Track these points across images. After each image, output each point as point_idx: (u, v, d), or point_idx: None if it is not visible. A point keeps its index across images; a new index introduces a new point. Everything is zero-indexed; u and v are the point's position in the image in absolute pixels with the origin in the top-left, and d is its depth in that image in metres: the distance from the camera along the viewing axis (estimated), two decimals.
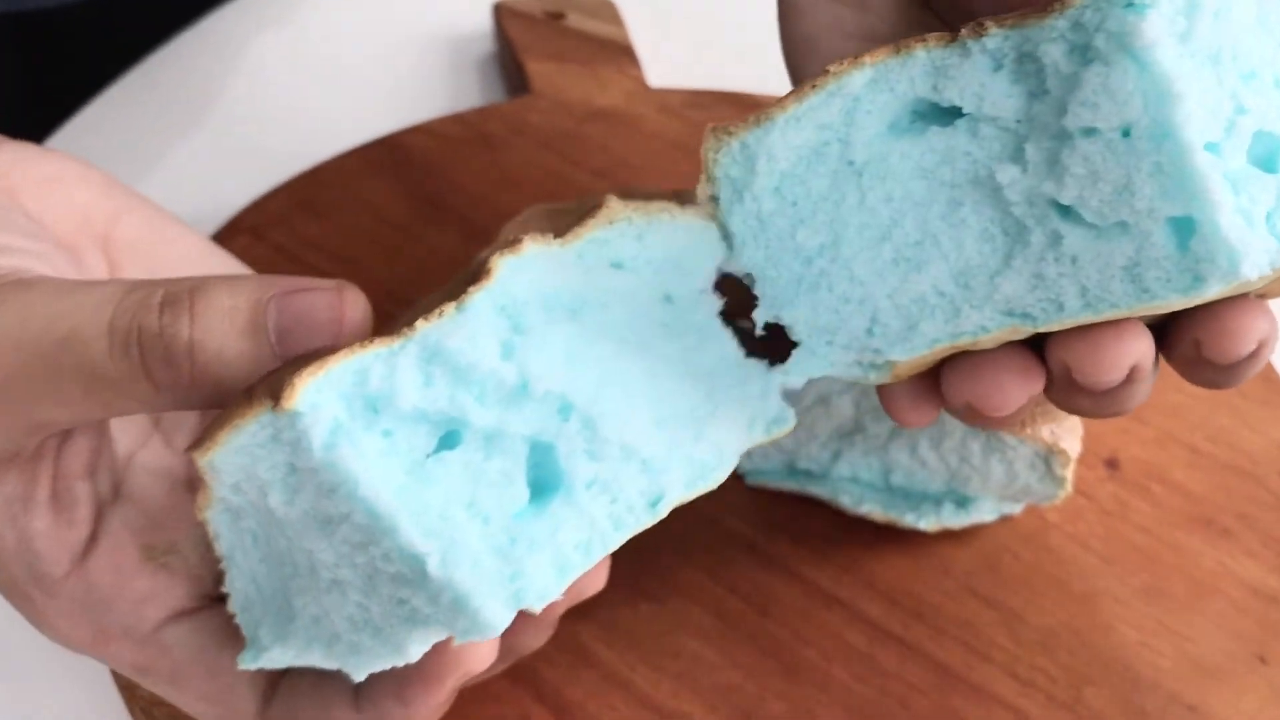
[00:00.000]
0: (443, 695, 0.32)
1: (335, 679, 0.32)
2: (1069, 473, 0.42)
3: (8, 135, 0.38)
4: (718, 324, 0.31)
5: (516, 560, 0.27)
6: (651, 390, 0.29)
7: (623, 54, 0.66)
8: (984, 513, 0.45)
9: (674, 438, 0.30)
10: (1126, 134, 0.26)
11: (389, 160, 0.60)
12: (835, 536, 0.45)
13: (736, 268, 0.31)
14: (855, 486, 0.45)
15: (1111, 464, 0.47)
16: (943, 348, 0.29)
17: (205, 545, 0.32)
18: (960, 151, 0.28)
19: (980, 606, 0.43)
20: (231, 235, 0.56)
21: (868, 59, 0.28)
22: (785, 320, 0.31)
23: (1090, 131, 0.26)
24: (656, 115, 0.62)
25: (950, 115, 0.29)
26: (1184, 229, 0.25)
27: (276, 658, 0.30)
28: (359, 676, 0.29)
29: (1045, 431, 0.41)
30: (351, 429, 0.26)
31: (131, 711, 0.40)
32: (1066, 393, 0.29)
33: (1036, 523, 0.46)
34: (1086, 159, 0.26)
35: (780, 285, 0.31)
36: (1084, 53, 0.26)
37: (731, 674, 0.42)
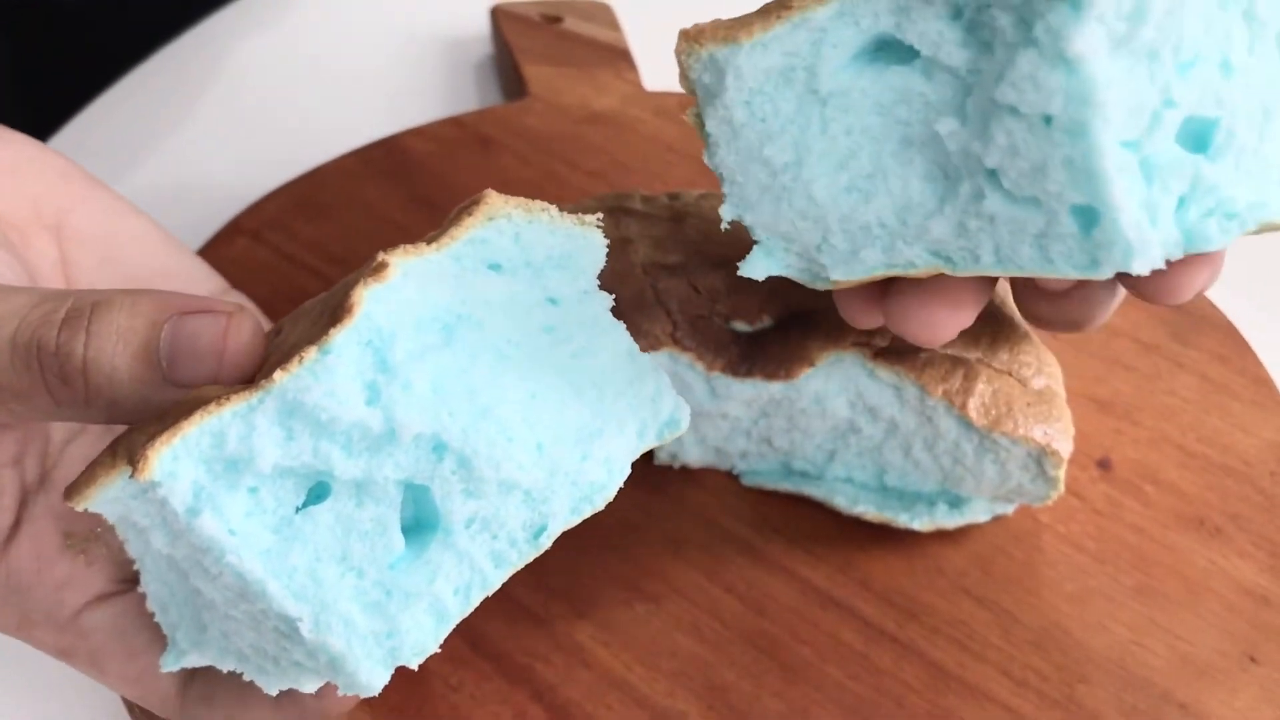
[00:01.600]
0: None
1: None
2: (1061, 473, 0.42)
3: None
4: (609, 319, 0.31)
5: (391, 617, 0.27)
6: (533, 412, 0.29)
7: (619, 57, 0.66)
8: (977, 513, 0.45)
9: (557, 462, 0.29)
10: (1047, 122, 0.26)
11: (387, 162, 0.60)
12: (830, 537, 0.46)
13: (711, 165, 0.32)
14: (850, 487, 0.46)
15: (1104, 464, 0.48)
16: (880, 273, 0.31)
17: None
18: (915, 92, 0.29)
19: (974, 606, 0.44)
20: (230, 237, 0.56)
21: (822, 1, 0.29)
22: (747, 221, 0.33)
23: (1014, 111, 0.27)
24: (653, 118, 0.63)
25: (911, 54, 0.29)
26: (1089, 217, 0.27)
27: (195, 660, 0.31)
28: (271, 691, 0.30)
29: (1038, 433, 0.41)
30: (213, 492, 0.26)
31: (131, 712, 0.40)
32: (1024, 294, 0.34)
33: (1029, 523, 0.46)
34: (1009, 134, 0.27)
35: (747, 190, 0.32)
36: (1027, 31, 0.26)
37: (727, 673, 0.42)
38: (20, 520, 0.32)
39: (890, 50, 0.30)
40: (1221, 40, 0.27)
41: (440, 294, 0.28)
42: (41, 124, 0.62)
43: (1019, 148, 0.27)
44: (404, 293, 0.27)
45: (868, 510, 0.45)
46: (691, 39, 0.31)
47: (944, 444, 0.43)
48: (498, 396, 0.28)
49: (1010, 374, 0.42)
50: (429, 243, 0.28)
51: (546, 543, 0.29)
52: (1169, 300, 0.31)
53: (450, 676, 0.41)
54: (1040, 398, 0.42)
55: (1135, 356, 0.52)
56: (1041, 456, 0.42)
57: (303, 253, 0.56)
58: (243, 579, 0.26)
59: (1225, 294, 0.54)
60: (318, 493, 0.28)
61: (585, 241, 0.31)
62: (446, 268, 0.28)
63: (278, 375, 0.26)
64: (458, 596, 0.28)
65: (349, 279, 0.29)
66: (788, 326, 0.43)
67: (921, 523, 0.45)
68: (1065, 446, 0.42)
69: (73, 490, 0.28)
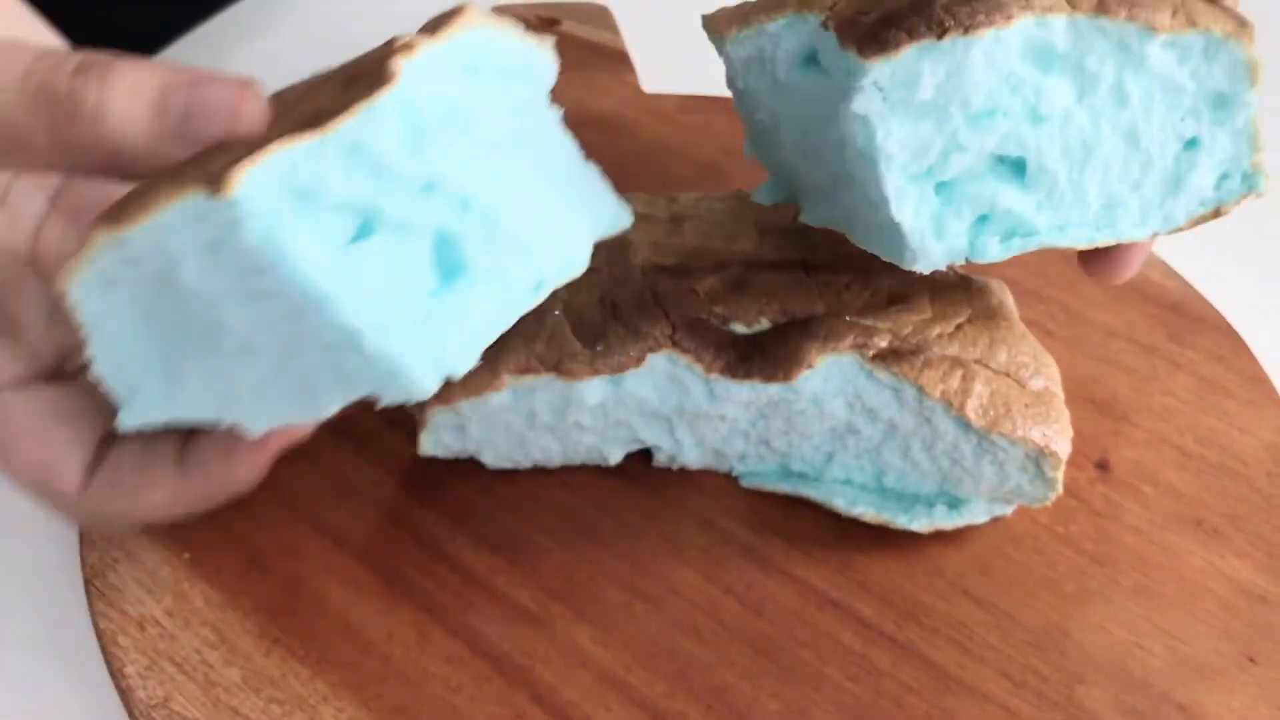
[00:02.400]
0: (266, 459, 0.35)
1: (160, 446, 0.35)
2: (1059, 474, 0.42)
3: None
4: (560, 132, 0.36)
5: (439, 332, 0.30)
6: (524, 190, 0.33)
7: (617, 60, 0.66)
8: (976, 514, 0.45)
9: (547, 233, 0.33)
10: (857, 151, 0.36)
11: None
12: (829, 538, 0.46)
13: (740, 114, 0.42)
14: (849, 488, 0.46)
15: (1102, 465, 0.48)
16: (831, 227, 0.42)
17: (51, 323, 0.33)
18: (834, 89, 0.37)
19: (972, 607, 0.44)
20: None
21: (779, 14, 0.38)
22: (760, 159, 0.44)
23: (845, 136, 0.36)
24: (651, 120, 0.63)
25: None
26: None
27: (156, 415, 0.32)
28: (256, 431, 0.31)
29: (1036, 434, 0.41)
30: (284, 216, 0.28)
31: (131, 716, 0.40)
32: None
33: (1028, 524, 0.46)
34: (840, 141, 0.37)
35: (754, 134, 0.43)
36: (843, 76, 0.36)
37: (726, 674, 0.42)
38: None
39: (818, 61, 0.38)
40: (1030, 94, 0.35)
41: (435, 87, 0.31)
42: None
43: (845, 154, 0.37)
44: (420, 75, 0.30)
45: (866, 511, 0.45)
46: (706, 23, 0.41)
47: (942, 445, 0.43)
48: (500, 172, 0.32)
49: (1008, 375, 0.42)
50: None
51: (542, 296, 0.33)
52: (1108, 280, 0.41)
53: (450, 678, 0.41)
54: (1038, 399, 0.42)
55: (1133, 357, 0.52)
56: (1040, 457, 0.42)
57: None
58: (308, 294, 0.28)
59: (1222, 294, 0.55)
60: (363, 232, 0.30)
61: (542, 55, 0.35)
62: (438, 63, 0.31)
63: (340, 120, 0.28)
64: (486, 325, 0.32)
65: (366, 57, 0.32)
66: (785, 329, 0.43)
67: (920, 524, 0.45)
68: (1063, 447, 0.42)
69: (117, 216, 0.29)
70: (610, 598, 0.44)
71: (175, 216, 0.28)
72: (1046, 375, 0.43)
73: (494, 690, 0.41)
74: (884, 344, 0.42)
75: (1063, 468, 0.42)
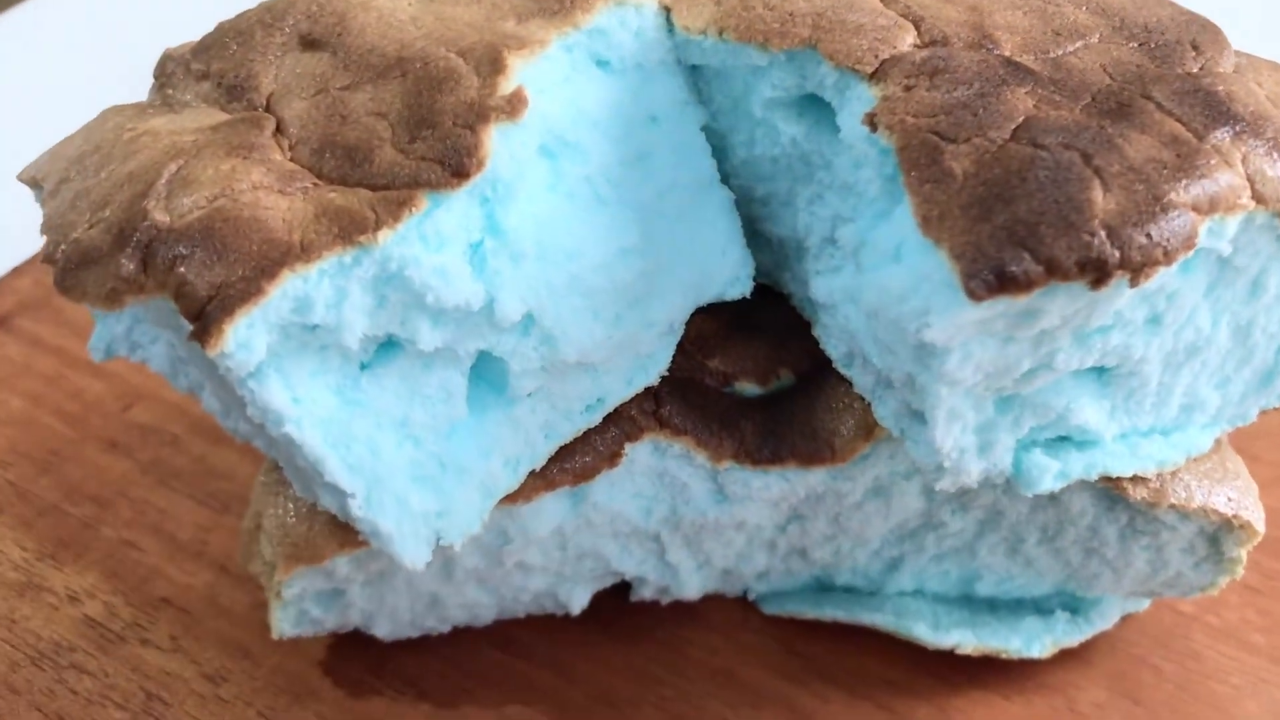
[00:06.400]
0: None
1: None
2: (1245, 553, 0.29)
3: None
4: (699, 141, 0.29)
5: (444, 493, 0.26)
6: (615, 274, 0.27)
7: None
8: (1108, 618, 0.32)
9: (626, 336, 0.27)
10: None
11: None
12: (902, 677, 0.32)
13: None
14: (923, 605, 0.32)
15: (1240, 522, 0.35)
16: None
17: None
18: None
19: None
20: None
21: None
22: None
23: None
24: None
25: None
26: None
27: None
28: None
29: (1220, 500, 0.28)
30: (283, 354, 0.24)
31: None
32: None
33: (1169, 617, 0.33)
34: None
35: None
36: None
37: None
38: None
39: None
40: (1161, 301, 0.25)
41: (548, 105, 0.26)
42: None
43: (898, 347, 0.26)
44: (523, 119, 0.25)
45: (964, 640, 0.31)
46: None
47: (1073, 532, 0.29)
48: (587, 258, 0.27)
49: None
50: (547, 19, 0.27)
51: (598, 417, 0.28)
52: None
53: None
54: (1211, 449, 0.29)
55: None
56: (1221, 532, 0.28)
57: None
58: (301, 449, 0.24)
59: None
60: (385, 349, 0.26)
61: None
62: (558, 64, 0.26)
63: (382, 235, 0.23)
64: (507, 470, 0.27)
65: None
66: (820, 385, 0.29)
67: (1040, 647, 0.31)
68: (1256, 515, 0.29)
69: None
70: None
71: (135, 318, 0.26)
72: None
73: None
74: None
75: (1256, 541, 0.29)
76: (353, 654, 0.32)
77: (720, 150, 0.30)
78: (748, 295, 0.29)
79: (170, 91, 0.29)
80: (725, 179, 0.30)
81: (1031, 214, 0.22)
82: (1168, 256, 0.22)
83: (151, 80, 0.30)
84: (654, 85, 0.28)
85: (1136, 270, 0.22)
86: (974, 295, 0.21)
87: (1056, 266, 0.21)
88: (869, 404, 0.28)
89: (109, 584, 0.34)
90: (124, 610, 0.33)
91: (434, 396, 0.26)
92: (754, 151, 0.29)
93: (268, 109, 0.26)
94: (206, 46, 0.28)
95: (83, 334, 0.42)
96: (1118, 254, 0.21)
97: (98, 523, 0.36)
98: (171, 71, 0.29)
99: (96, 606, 0.33)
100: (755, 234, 0.30)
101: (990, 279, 0.21)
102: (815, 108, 0.27)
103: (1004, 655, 0.31)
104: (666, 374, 0.29)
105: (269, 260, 0.22)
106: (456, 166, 0.24)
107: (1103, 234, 0.21)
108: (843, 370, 0.28)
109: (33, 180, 0.27)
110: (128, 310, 0.28)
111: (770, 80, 0.27)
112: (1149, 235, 0.22)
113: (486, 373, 0.27)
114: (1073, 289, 0.22)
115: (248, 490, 0.36)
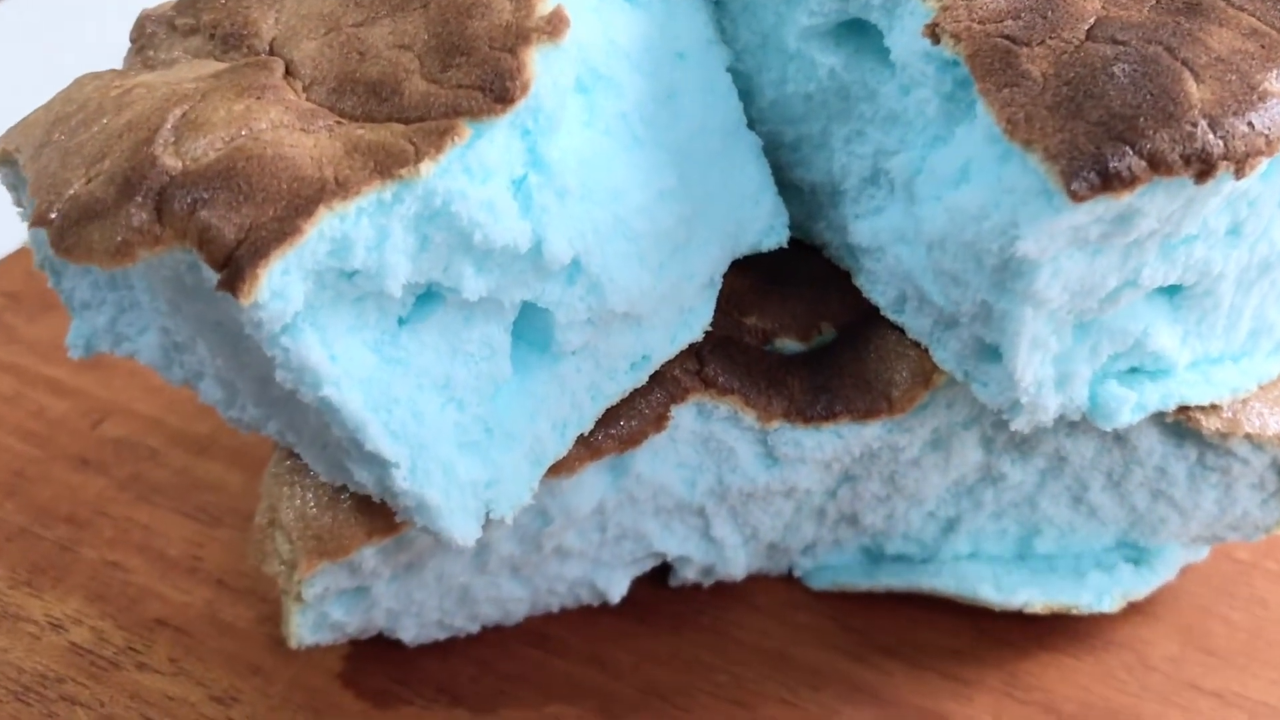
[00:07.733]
0: None
1: None
2: None
3: None
4: (725, 81, 0.27)
5: (492, 462, 0.24)
6: (656, 218, 0.25)
7: None
8: (1171, 567, 0.30)
9: (670, 286, 0.26)
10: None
11: None
12: (966, 646, 0.30)
13: None
14: (984, 567, 0.30)
15: None
16: None
17: None
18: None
19: (1215, 706, 0.28)
20: None
21: None
22: None
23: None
24: None
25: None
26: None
27: None
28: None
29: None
30: (319, 306, 0.22)
31: None
32: None
33: (1229, 565, 0.32)
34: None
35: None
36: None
37: None
38: None
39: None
40: (1244, 205, 0.23)
41: (584, 32, 0.24)
42: None
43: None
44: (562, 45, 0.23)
45: (1032, 598, 0.29)
46: None
47: (1140, 474, 0.28)
48: (630, 199, 0.25)
49: None
50: None
51: (644, 376, 0.26)
52: None
53: None
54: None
55: None
56: None
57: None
58: (339, 415, 0.22)
59: None
60: (423, 302, 0.23)
61: None
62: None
63: (425, 167, 0.21)
64: (555, 434, 0.25)
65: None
66: (865, 334, 0.27)
67: (1110, 600, 0.29)
68: None
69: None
70: None
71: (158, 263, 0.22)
72: None
73: None
74: None
75: None
76: (373, 663, 0.30)
77: (745, 94, 0.28)
78: (784, 245, 0.28)
79: (151, 53, 0.26)
80: (751, 125, 0.28)
81: (1127, 108, 0.20)
82: (1270, 146, 0.21)
83: (129, 45, 0.27)
84: (680, 20, 0.27)
85: (1241, 161, 0.20)
86: (1075, 196, 0.20)
87: (1160, 160, 0.20)
88: (925, 349, 0.27)
89: (95, 608, 0.31)
90: (115, 635, 0.30)
91: (476, 354, 0.24)
92: (785, 91, 0.27)
93: (271, 55, 0.24)
94: (192, 0, 0.26)
95: (39, 351, 0.39)
96: (1221, 144, 0.20)
97: (76, 544, 0.32)
98: (152, 32, 0.27)
99: (83, 632, 0.30)
100: (783, 184, 0.29)
101: (1093, 177, 0.20)
102: (855, 35, 0.26)
103: (1074, 611, 0.29)
104: (706, 333, 0.28)
105: (303, 198, 0.20)
106: (500, 91, 0.22)
107: (1204, 124, 0.20)
108: (893, 316, 0.26)
109: (3, 154, 0.25)
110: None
111: (808, 6, 0.25)
112: (1250, 124, 0.20)
113: (527, 331, 0.25)
114: (1172, 186, 0.21)
115: (240, 501, 0.34)
